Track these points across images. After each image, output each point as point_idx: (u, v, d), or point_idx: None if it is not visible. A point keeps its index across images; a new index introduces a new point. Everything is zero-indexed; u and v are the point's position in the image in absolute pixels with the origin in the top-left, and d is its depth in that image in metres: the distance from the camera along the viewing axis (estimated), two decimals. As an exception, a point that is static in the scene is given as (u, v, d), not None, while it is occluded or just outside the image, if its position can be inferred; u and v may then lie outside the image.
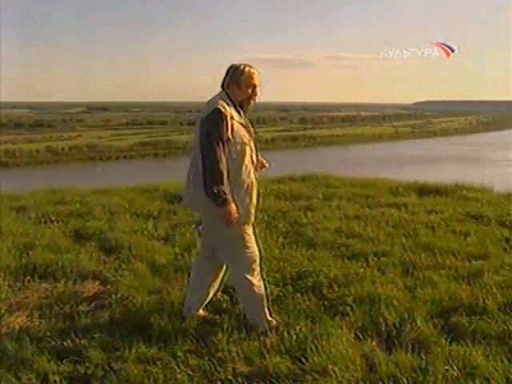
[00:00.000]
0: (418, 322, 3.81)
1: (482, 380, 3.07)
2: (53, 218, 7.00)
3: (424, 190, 9.29)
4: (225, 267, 4.08)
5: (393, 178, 10.16)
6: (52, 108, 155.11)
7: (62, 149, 61.79)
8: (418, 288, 4.50)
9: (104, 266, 5.18)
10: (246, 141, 3.76)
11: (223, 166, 3.58)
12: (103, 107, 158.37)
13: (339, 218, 6.94)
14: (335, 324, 3.83)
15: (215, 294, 4.22)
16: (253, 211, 3.89)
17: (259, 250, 4.02)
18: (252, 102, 3.84)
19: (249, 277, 3.87)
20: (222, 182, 3.57)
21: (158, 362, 3.42)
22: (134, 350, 3.54)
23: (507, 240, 5.99)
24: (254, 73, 3.78)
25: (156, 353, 3.53)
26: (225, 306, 4.25)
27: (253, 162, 3.84)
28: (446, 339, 3.61)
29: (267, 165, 4.15)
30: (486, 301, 4.13)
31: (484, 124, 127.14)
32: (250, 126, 3.91)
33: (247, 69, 3.77)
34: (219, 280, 4.15)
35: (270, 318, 3.93)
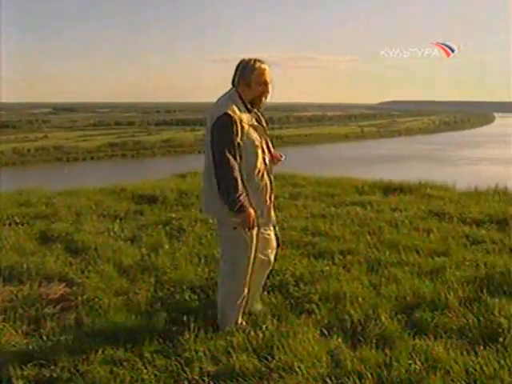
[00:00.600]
0: (383, 318, 3.85)
1: (443, 373, 3.12)
2: (18, 221, 6.86)
3: (389, 189, 9.39)
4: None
5: (358, 177, 10.25)
6: (18, 109, 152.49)
7: (28, 150, 60.86)
8: (382, 285, 4.55)
9: (70, 267, 5.10)
10: (257, 143, 3.68)
11: (236, 174, 3.55)
12: (70, 108, 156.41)
13: (305, 216, 6.98)
14: (301, 322, 3.85)
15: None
16: (268, 213, 3.87)
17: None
18: (264, 98, 3.74)
19: (236, 281, 3.84)
20: (236, 190, 3.54)
21: (125, 363, 3.39)
22: (100, 352, 3.50)
23: (468, 237, 6.09)
24: (264, 69, 3.66)
25: (123, 354, 3.50)
26: (192, 305, 4.23)
27: (265, 163, 3.77)
28: (409, 334, 3.66)
29: (282, 158, 4.04)
30: (448, 296, 4.20)
31: (446, 124, 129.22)
32: (264, 121, 3.87)
33: (257, 65, 3.64)
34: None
35: (240, 321, 3.90)
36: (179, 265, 5.05)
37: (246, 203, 3.58)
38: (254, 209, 3.65)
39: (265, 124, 3.87)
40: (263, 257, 3.96)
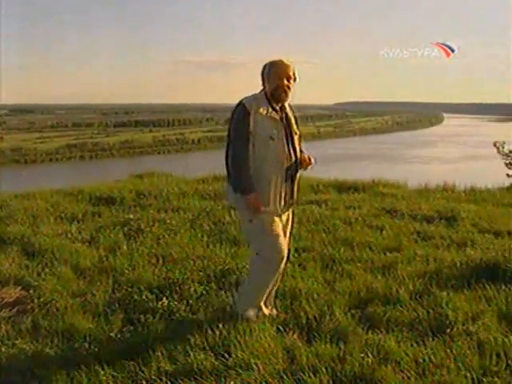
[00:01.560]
0: (337, 313, 3.89)
1: (394, 364, 3.17)
2: (-28, 224, 6.68)
3: (343, 187, 9.51)
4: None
5: (314, 176, 10.32)
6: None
7: (-16, 152, 59.28)
8: (337, 281, 4.60)
9: (26, 270, 4.97)
10: (271, 135, 3.69)
11: (241, 159, 3.65)
12: (27, 109, 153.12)
13: (262, 215, 6.98)
14: (258, 319, 3.85)
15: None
16: (274, 202, 3.76)
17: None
18: (283, 93, 3.73)
19: (261, 272, 3.81)
20: (242, 174, 3.65)
21: (82, 366, 3.32)
22: (57, 355, 3.44)
23: (419, 233, 6.22)
24: (282, 64, 3.74)
25: (80, 356, 3.44)
26: (150, 305, 4.18)
27: (279, 157, 3.73)
28: (362, 329, 3.71)
29: (313, 162, 3.95)
30: (399, 290, 4.27)
31: (398, 124, 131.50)
32: (294, 120, 3.87)
33: (277, 61, 3.76)
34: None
35: (264, 309, 3.89)
36: (137, 265, 5.01)
37: (249, 187, 3.65)
38: (259, 195, 3.67)
39: (293, 122, 3.87)
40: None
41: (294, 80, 3.77)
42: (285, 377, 3.10)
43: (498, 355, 3.25)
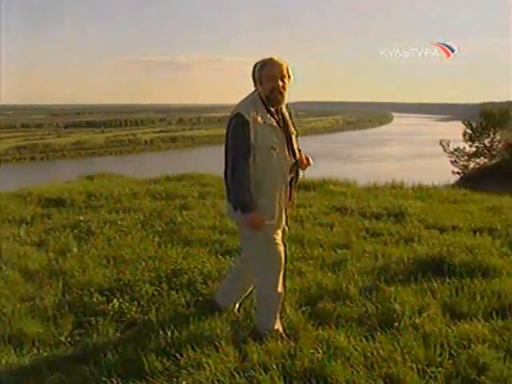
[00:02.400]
0: (288, 310, 3.91)
1: (344, 359, 3.20)
2: None
3: (294, 186, 9.56)
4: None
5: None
6: None
7: None
8: (287, 278, 4.60)
9: (-28, 275, 4.83)
10: (272, 144, 3.49)
11: (245, 176, 3.42)
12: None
13: (214, 215, 6.97)
14: (210, 318, 3.84)
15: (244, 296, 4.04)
16: (278, 215, 3.61)
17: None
18: (279, 95, 3.50)
19: (268, 281, 3.65)
20: (242, 191, 3.42)
21: (31, 371, 3.25)
22: (4, 361, 3.35)
23: (367, 230, 6.32)
24: (273, 64, 3.49)
25: (28, 361, 3.37)
26: (101, 307, 4.12)
27: (282, 167, 3.55)
28: (313, 325, 3.74)
29: (311, 162, 3.76)
30: (349, 287, 4.32)
31: (349, 123, 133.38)
32: (290, 120, 3.67)
33: (267, 61, 3.50)
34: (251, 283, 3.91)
35: (276, 327, 3.64)
36: (87, 267, 4.92)
37: (250, 205, 3.43)
38: (263, 210, 3.50)
39: (290, 123, 3.68)
40: None
41: (289, 78, 3.54)
42: (236, 375, 3.10)
43: (442, 346, 3.34)
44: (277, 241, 3.63)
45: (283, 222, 3.71)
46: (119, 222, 6.55)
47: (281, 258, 3.64)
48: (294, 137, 3.68)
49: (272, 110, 3.56)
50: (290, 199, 3.72)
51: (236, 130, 3.46)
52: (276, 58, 3.53)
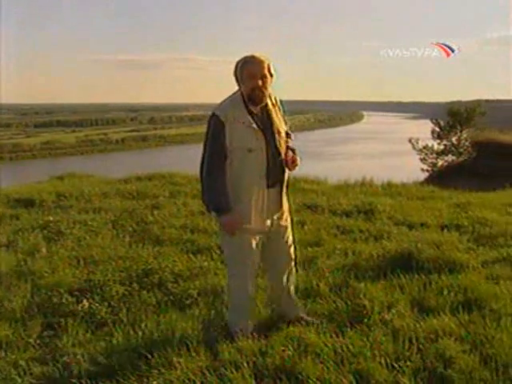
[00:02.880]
0: (259, 308, 3.91)
1: (314, 355, 3.22)
2: None
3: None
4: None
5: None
6: None
7: None
8: (259, 276, 4.61)
9: None
10: (250, 146, 3.37)
11: (218, 177, 3.36)
12: None
13: (185, 214, 6.95)
14: (180, 317, 3.83)
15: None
16: (258, 219, 3.50)
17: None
18: (260, 93, 3.37)
19: (235, 283, 3.63)
20: (216, 194, 3.37)
21: (-1, 374, 3.20)
22: (-29, 365, 3.29)
23: (338, 227, 6.37)
24: (253, 62, 3.37)
25: (-5, 364, 3.31)
26: (70, 308, 4.07)
27: (259, 169, 3.42)
28: (283, 322, 3.74)
29: (298, 163, 3.59)
30: (319, 284, 4.35)
31: (321, 122, 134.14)
32: (278, 115, 3.54)
33: (247, 59, 3.38)
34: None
35: (247, 326, 3.60)
36: (57, 268, 4.86)
37: (223, 206, 3.37)
38: (240, 214, 3.41)
39: (277, 118, 3.53)
40: (281, 253, 3.76)
41: (271, 76, 3.42)
42: (207, 373, 3.09)
43: (411, 340, 3.37)
44: (252, 245, 3.54)
45: (265, 226, 3.56)
46: (89, 222, 6.49)
47: (253, 261, 3.60)
48: (281, 135, 3.53)
49: (254, 109, 3.44)
50: (281, 206, 3.62)
51: (211, 131, 3.40)
52: (257, 54, 3.42)
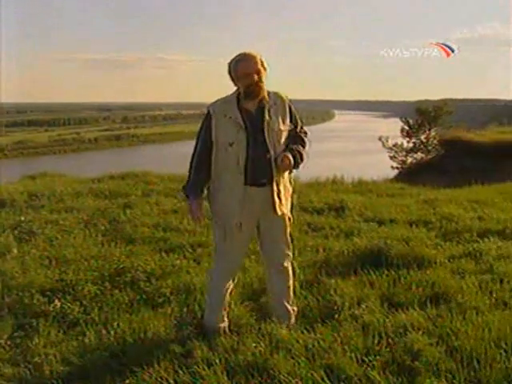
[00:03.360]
0: (231, 305, 3.90)
1: (286, 352, 3.22)
2: None
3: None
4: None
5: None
6: None
7: None
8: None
9: None
10: (231, 140, 3.36)
11: (196, 166, 3.47)
12: None
13: (157, 213, 6.91)
14: (153, 316, 3.80)
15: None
16: (239, 213, 3.44)
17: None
18: (257, 88, 3.37)
19: (211, 277, 3.70)
20: (189, 178, 3.52)
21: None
22: None
23: (309, 224, 6.40)
24: (244, 60, 3.37)
25: (-35, 367, 3.24)
26: (42, 308, 4.01)
27: (238, 163, 3.38)
28: (255, 319, 3.75)
29: (287, 162, 3.41)
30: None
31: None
32: (278, 111, 3.45)
33: (238, 59, 3.39)
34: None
35: (221, 324, 3.62)
36: (28, 268, 4.77)
37: (190, 191, 3.50)
38: (220, 207, 3.49)
39: (276, 114, 3.44)
40: (271, 260, 3.71)
41: (265, 70, 3.42)
42: (180, 371, 3.08)
43: (380, 335, 3.40)
44: (233, 241, 3.52)
45: (250, 224, 3.54)
46: (61, 222, 6.40)
47: (233, 257, 3.60)
48: (275, 133, 3.43)
49: (249, 106, 3.43)
50: (273, 200, 3.47)
51: (201, 123, 3.50)
52: (248, 51, 3.43)
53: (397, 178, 17.28)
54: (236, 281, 3.79)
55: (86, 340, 3.52)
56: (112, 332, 3.57)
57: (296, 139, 3.56)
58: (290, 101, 3.59)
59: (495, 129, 26.02)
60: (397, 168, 31.71)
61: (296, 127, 3.59)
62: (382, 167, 28.14)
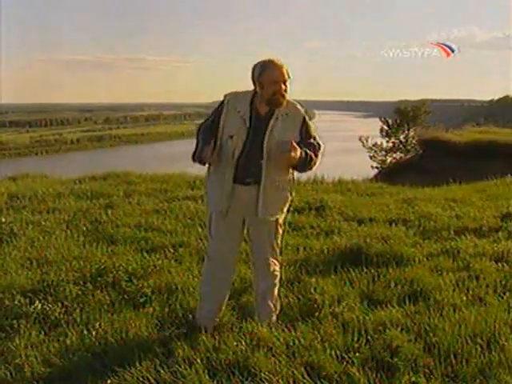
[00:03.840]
0: (213, 305, 3.90)
1: (267, 350, 3.23)
2: None
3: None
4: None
5: (191, 172, 10.27)
6: None
7: None
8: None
9: None
10: (232, 134, 3.40)
11: (204, 130, 3.48)
12: None
13: (139, 213, 6.86)
14: (135, 316, 3.78)
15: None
16: (226, 204, 3.47)
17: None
18: (281, 97, 3.37)
19: (203, 269, 3.81)
20: (198, 141, 3.47)
21: None
22: None
23: (290, 224, 6.38)
24: (272, 67, 3.37)
25: None
26: (23, 309, 3.96)
27: (234, 157, 3.41)
28: (237, 318, 3.76)
29: (294, 155, 3.29)
30: (272, 279, 4.36)
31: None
32: (284, 126, 3.43)
33: (267, 65, 3.37)
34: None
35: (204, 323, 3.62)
36: (9, 269, 4.72)
37: (202, 146, 3.40)
38: (212, 198, 3.58)
39: (280, 127, 3.42)
40: (257, 262, 3.74)
41: (289, 79, 3.42)
42: (161, 370, 3.07)
43: (360, 332, 3.43)
44: (221, 236, 3.58)
45: (238, 219, 3.57)
46: (43, 223, 6.34)
47: (222, 254, 3.63)
48: (276, 142, 3.38)
49: (262, 110, 3.45)
50: (256, 202, 3.48)
51: (219, 105, 3.51)
52: (275, 59, 3.41)
53: (376, 178, 17.36)
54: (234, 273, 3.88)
55: (68, 341, 3.48)
56: (94, 332, 3.54)
57: (309, 146, 3.47)
58: (307, 114, 3.56)
59: (472, 129, 26.27)
60: (376, 167, 31.95)
61: (309, 139, 3.52)
62: (363, 167, 28.31)
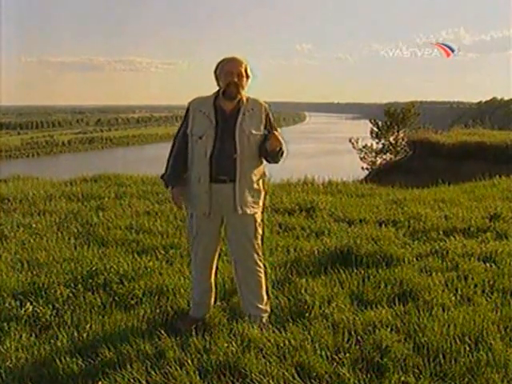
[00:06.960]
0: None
1: (257, 351, 3.23)
2: None
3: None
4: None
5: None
6: None
7: None
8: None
9: None
10: (201, 134, 3.52)
11: (174, 156, 3.67)
12: None
13: (130, 215, 6.84)
14: (126, 318, 3.77)
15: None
16: (205, 204, 3.56)
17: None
18: (235, 89, 3.50)
19: (191, 268, 3.92)
20: (167, 168, 3.71)
21: None
22: None
23: (280, 225, 6.42)
24: (229, 61, 3.55)
25: None
26: (14, 312, 3.94)
27: (206, 156, 3.49)
28: (227, 319, 3.75)
29: (276, 140, 3.53)
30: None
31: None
32: (251, 120, 3.54)
33: (224, 59, 3.58)
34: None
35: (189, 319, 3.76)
36: (0, 272, 4.69)
37: (168, 180, 3.71)
38: (190, 197, 3.66)
39: (247, 121, 3.54)
40: (237, 260, 3.78)
41: (247, 77, 3.57)
42: (153, 372, 3.06)
43: (350, 333, 3.43)
44: (201, 229, 3.67)
45: (217, 218, 3.64)
46: (34, 225, 6.31)
47: (205, 250, 3.74)
48: (246, 136, 3.52)
49: (226, 106, 3.57)
50: (234, 198, 3.54)
51: (184, 116, 3.69)
52: (238, 56, 3.61)
53: (366, 179, 17.37)
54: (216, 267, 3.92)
55: (59, 343, 3.47)
56: (84, 334, 3.54)
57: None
58: (269, 108, 3.71)
59: (460, 130, 26.37)
60: (367, 169, 31.99)
61: (270, 132, 3.63)
62: (353, 168, 28.36)
